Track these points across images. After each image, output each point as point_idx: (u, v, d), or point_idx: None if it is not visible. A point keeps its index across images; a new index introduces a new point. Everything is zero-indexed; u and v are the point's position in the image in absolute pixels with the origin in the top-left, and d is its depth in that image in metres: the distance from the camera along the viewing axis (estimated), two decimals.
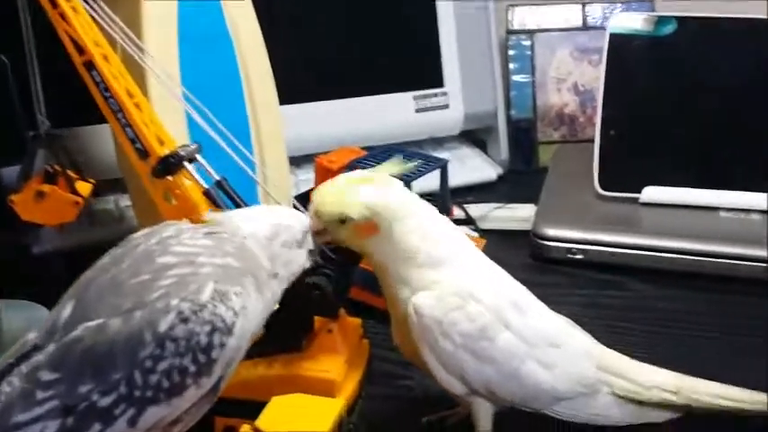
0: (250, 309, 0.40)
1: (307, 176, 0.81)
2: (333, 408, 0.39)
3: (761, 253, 0.68)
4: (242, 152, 0.51)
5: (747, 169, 0.75)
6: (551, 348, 0.47)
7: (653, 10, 0.93)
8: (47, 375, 0.37)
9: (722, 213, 0.74)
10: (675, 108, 0.78)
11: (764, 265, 0.68)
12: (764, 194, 0.73)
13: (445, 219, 0.48)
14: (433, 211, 0.48)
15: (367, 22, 0.87)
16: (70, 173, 0.50)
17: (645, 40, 0.79)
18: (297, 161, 0.82)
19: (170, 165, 0.46)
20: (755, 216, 0.73)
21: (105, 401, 0.37)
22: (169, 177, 0.47)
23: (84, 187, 0.51)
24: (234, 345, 0.39)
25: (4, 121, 0.60)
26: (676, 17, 0.79)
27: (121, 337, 0.37)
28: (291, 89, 0.80)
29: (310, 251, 0.45)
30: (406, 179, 0.62)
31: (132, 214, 0.76)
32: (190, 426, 0.40)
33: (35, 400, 0.37)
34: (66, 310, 0.39)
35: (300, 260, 0.44)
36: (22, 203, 0.50)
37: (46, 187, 0.49)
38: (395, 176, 0.47)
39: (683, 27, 0.79)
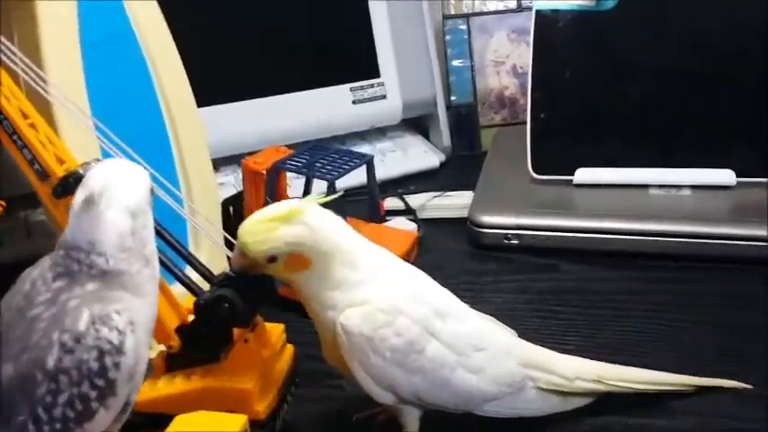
0: (138, 317, 0.40)
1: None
2: (236, 423, 0.39)
3: (691, 229, 0.68)
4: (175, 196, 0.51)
5: (677, 147, 0.75)
6: (477, 352, 0.48)
7: None
8: None
9: (652, 191, 0.74)
10: (604, 87, 0.77)
11: (696, 240, 0.68)
12: (693, 170, 0.73)
13: (357, 235, 0.48)
14: (349, 230, 0.47)
15: (299, 14, 0.86)
16: None
17: (575, 16, 0.77)
18: (234, 160, 0.81)
19: (70, 185, 0.45)
20: (686, 192, 0.74)
21: None
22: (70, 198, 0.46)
23: None
24: (129, 362, 0.39)
25: None
26: None
27: (15, 381, 0.38)
28: (219, 88, 0.79)
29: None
30: (329, 178, 0.63)
31: None
32: None
33: None
34: None
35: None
36: None
37: None
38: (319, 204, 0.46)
39: (623, 1, 0.78)
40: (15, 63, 0.47)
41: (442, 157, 0.92)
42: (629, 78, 0.77)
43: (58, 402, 0.38)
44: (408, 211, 0.79)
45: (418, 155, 0.92)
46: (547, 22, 0.78)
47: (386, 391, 0.47)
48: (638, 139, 0.76)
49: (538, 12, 0.78)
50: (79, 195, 0.40)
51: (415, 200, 0.81)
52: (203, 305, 0.47)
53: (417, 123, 0.97)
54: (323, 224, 0.45)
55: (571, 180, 0.76)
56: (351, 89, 0.88)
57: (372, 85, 0.89)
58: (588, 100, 0.78)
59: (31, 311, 0.39)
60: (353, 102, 0.88)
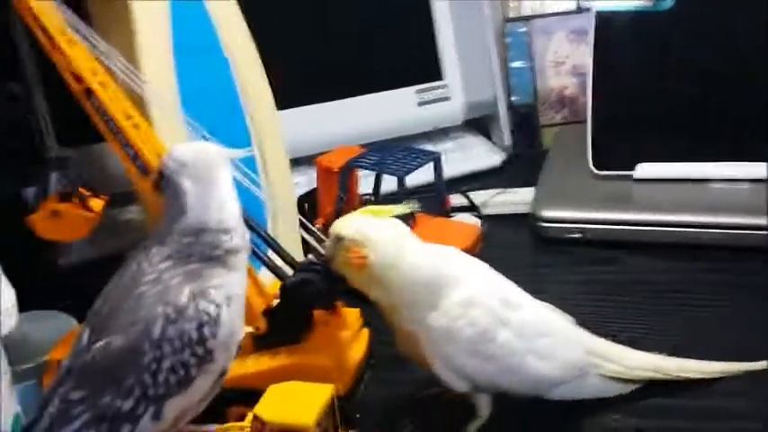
0: (234, 292, 0.44)
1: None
2: (324, 392, 0.42)
3: (749, 221, 0.70)
4: (248, 174, 0.55)
5: (735, 141, 0.76)
6: (545, 339, 0.51)
7: None
8: (75, 394, 0.42)
9: (713, 185, 0.76)
10: (663, 84, 0.79)
11: (755, 232, 0.70)
12: (752, 164, 0.75)
13: (432, 247, 0.50)
14: (418, 243, 0.50)
15: (364, 20, 0.90)
16: (83, 190, 0.54)
17: (633, 17, 0.80)
18: (307, 161, 0.85)
19: None
20: (744, 185, 0.75)
21: (127, 405, 0.42)
22: None
23: (97, 204, 0.55)
24: (225, 332, 0.43)
25: (18, 147, 0.65)
26: None
27: (125, 350, 0.42)
28: (294, 92, 0.84)
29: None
30: (398, 174, 0.66)
31: None
32: (204, 406, 0.45)
33: (70, 416, 0.42)
34: (84, 335, 0.45)
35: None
36: (39, 223, 0.54)
37: (60, 206, 0.53)
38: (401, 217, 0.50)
39: (681, 2, 0.80)
40: (115, 65, 0.52)
41: (503, 156, 0.95)
42: (688, 75, 0.79)
43: (162, 368, 0.42)
44: (472, 208, 0.82)
45: (480, 154, 0.94)
46: (606, 23, 0.81)
47: (462, 379, 0.50)
48: (696, 134, 0.78)
49: (598, 13, 0.80)
50: (184, 176, 0.44)
51: (477, 197, 0.84)
52: (289, 288, 0.51)
53: (478, 124, 0.99)
54: (401, 234, 0.49)
55: (631, 175, 0.78)
56: (416, 91, 0.92)
57: (436, 88, 0.93)
58: (647, 97, 0.80)
59: (138, 289, 0.44)
60: (419, 104, 0.92)
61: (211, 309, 0.43)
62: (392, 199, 0.63)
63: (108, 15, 0.55)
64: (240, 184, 0.53)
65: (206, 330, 0.43)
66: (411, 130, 0.93)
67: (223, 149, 0.46)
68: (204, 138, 0.55)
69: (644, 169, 0.78)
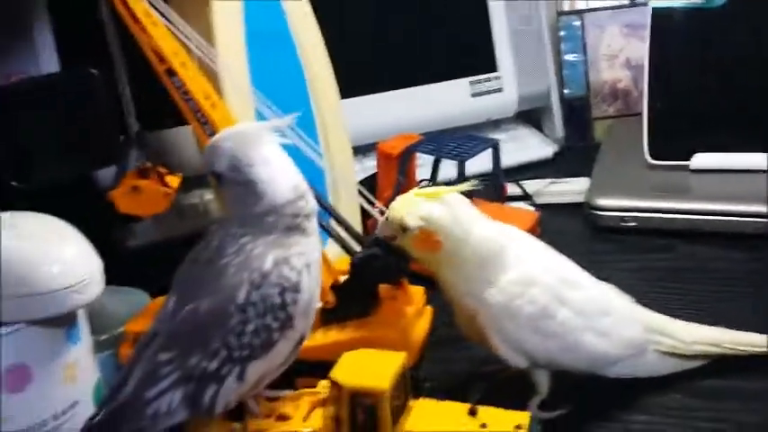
0: (312, 259, 0.46)
1: (370, 163, 0.86)
2: (397, 359, 0.44)
3: None
4: (310, 145, 0.56)
5: None
6: (604, 317, 0.51)
7: None
8: (163, 356, 0.44)
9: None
10: (717, 77, 0.80)
11: None
12: None
13: (494, 222, 0.51)
14: (483, 216, 0.51)
15: (419, 13, 0.92)
16: (160, 168, 0.57)
17: (688, 13, 0.81)
18: (362, 149, 0.87)
19: None
20: None
21: (213, 366, 0.44)
22: None
23: (173, 180, 0.57)
24: (305, 298, 0.45)
25: (97, 127, 0.68)
26: None
27: (212, 314, 0.44)
28: (352, 82, 0.85)
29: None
30: (459, 159, 0.68)
31: (216, 208, 0.83)
32: (282, 371, 0.47)
33: (159, 376, 0.44)
34: (170, 302, 0.46)
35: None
36: (119, 198, 0.56)
37: (140, 182, 0.56)
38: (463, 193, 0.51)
39: None
40: (195, 46, 0.54)
41: (555, 148, 0.96)
42: (742, 68, 0.80)
43: (246, 331, 0.44)
44: (526, 197, 0.83)
45: (532, 145, 0.96)
46: (662, 18, 0.82)
47: (521, 355, 0.51)
48: (752, 124, 0.78)
49: (654, 8, 0.82)
50: (244, 167, 0.45)
51: (531, 186, 0.85)
52: (358, 263, 0.53)
53: (529, 116, 1.01)
54: (464, 211, 0.50)
55: (687, 165, 0.79)
56: (470, 83, 0.93)
57: (490, 79, 0.94)
58: (703, 88, 0.81)
59: (221, 261, 0.45)
60: (472, 95, 0.93)
61: (293, 275, 0.44)
62: (449, 185, 0.65)
63: (185, 3, 0.57)
64: (302, 152, 0.55)
65: (288, 296, 0.44)
66: (464, 121, 0.95)
67: (262, 124, 0.47)
68: (273, 113, 0.56)
69: (700, 159, 0.78)
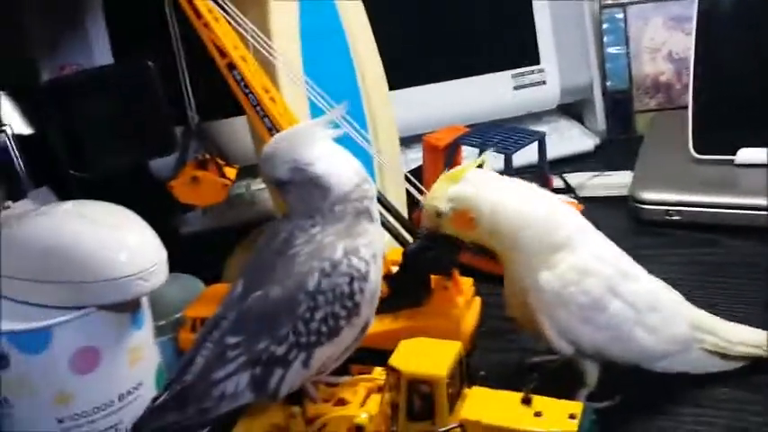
0: (378, 247, 0.47)
1: (414, 155, 0.88)
2: (453, 348, 0.45)
3: None
4: (361, 134, 0.58)
5: None
6: (653, 313, 0.52)
7: None
8: (231, 339, 0.46)
9: None
10: (764, 71, 0.80)
11: None
12: None
13: (542, 195, 0.52)
14: (530, 191, 0.51)
15: (463, 6, 0.93)
16: (218, 159, 0.58)
17: (733, 4, 0.81)
18: (405, 141, 0.88)
19: None
20: None
21: (281, 350, 0.45)
22: None
23: (231, 171, 0.59)
24: (372, 288, 0.47)
25: (152, 118, 0.70)
26: None
27: (282, 299, 0.45)
28: (397, 74, 0.86)
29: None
30: (506, 152, 0.68)
31: (263, 197, 0.85)
32: (346, 357, 0.48)
33: (226, 359, 0.45)
34: (238, 287, 0.48)
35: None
36: (179, 188, 0.58)
37: (199, 173, 0.57)
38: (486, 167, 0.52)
39: None
40: (255, 41, 0.56)
41: (597, 141, 0.96)
42: None
43: (315, 318, 0.45)
44: (569, 190, 0.84)
45: (574, 138, 0.96)
46: (709, 10, 0.82)
47: (569, 344, 0.51)
48: None
49: (701, 1, 0.81)
50: (306, 170, 0.46)
51: (573, 179, 0.85)
52: (411, 254, 0.54)
53: (570, 109, 1.01)
54: (489, 184, 0.50)
55: (732, 160, 0.79)
56: (512, 75, 0.94)
57: (533, 72, 0.95)
58: (748, 83, 0.81)
59: (291, 251, 0.47)
60: (515, 87, 0.94)
61: (362, 266, 0.46)
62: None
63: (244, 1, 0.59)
64: (351, 140, 0.56)
65: (356, 285, 0.46)
66: (506, 114, 0.95)
67: (312, 122, 0.49)
68: (326, 104, 0.57)
69: (746, 154, 0.79)
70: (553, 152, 0.92)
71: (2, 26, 0.83)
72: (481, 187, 0.50)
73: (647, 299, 0.52)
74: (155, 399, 0.47)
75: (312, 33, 0.63)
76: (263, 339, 0.45)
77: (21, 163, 0.77)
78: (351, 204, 0.46)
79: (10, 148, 0.77)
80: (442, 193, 0.50)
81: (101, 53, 0.82)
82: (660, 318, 0.52)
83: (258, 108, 0.54)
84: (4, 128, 0.77)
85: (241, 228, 0.79)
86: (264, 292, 0.46)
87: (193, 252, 0.78)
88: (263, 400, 0.46)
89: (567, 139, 0.96)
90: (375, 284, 0.47)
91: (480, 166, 0.52)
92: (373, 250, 0.47)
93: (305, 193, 0.47)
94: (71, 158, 0.70)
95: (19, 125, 0.80)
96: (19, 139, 0.79)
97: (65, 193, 0.74)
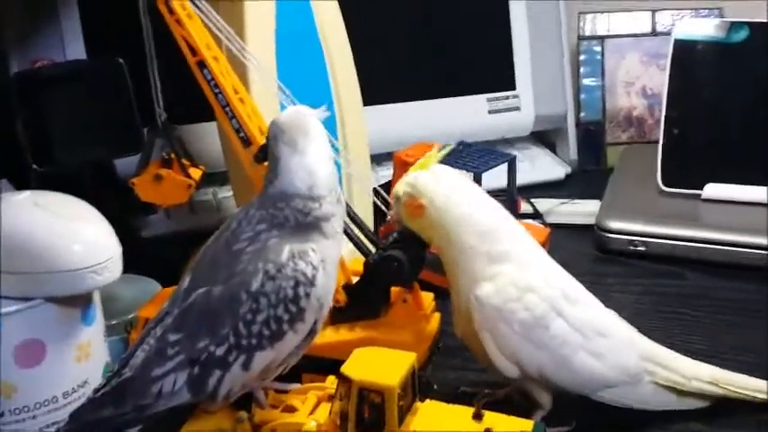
0: (328, 255, 0.46)
1: (385, 172, 0.87)
2: (407, 359, 0.44)
3: None
4: (330, 141, 0.57)
5: None
6: (600, 338, 0.51)
7: (720, 17, 0.96)
8: (173, 336, 0.45)
9: None
10: (734, 109, 0.82)
11: None
12: None
13: (498, 209, 0.52)
14: (487, 202, 0.52)
15: (443, 28, 0.93)
16: (183, 160, 0.58)
17: (708, 46, 0.83)
18: (377, 158, 0.88)
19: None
20: None
21: (220, 351, 0.44)
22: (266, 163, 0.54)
23: (196, 172, 0.58)
24: (319, 293, 0.45)
25: (121, 116, 0.69)
26: (749, 24, 0.83)
27: (224, 299, 0.45)
28: (372, 91, 0.87)
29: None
30: (476, 171, 0.68)
31: (228, 204, 0.84)
32: (291, 365, 0.48)
33: (166, 356, 0.44)
34: (185, 282, 0.47)
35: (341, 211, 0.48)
36: (141, 185, 0.57)
37: (163, 171, 0.57)
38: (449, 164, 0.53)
39: (754, 33, 0.82)
40: (228, 41, 0.55)
41: (568, 170, 0.96)
42: (758, 102, 0.81)
43: (256, 320, 0.44)
44: (536, 215, 0.84)
45: (545, 166, 0.96)
46: (683, 49, 0.83)
47: (512, 363, 0.50)
48: (765, 158, 0.79)
49: (676, 40, 0.83)
50: (281, 142, 0.46)
51: (542, 205, 0.86)
52: (374, 264, 0.53)
53: (543, 137, 1.02)
54: (451, 181, 0.51)
55: (698, 194, 0.80)
56: (488, 99, 0.94)
57: (508, 97, 0.95)
58: (719, 120, 0.82)
59: (237, 245, 0.46)
60: (489, 111, 0.95)
61: (309, 270, 0.45)
62: None
63: (220, 4, 0.58)
64: None
65: (301, 290, 0.45)
66: (480, 137, 0.95)
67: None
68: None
69: (713, 189, 0.79)
70: (523, 178, 0.92)
71: None
72: (440, 179, 0.51)
73: (594, 324, 0.51)
74: (96, 390, 0.46)
75: (287, 36, 0.62)
76: (202, 338, 0.44)
77: None
78: (291, 211, 0.45)
79: None
80: (405, 179, 0.51)
81: (73, 49, 0.81)
82: (607, 344, 0.51)
83: (227, 108, 0.53)
84: None
85: (205, 234, 0.78)
86: (207, 290, 0.45)
87: (154, 255, 0.78)
88: (202, 401, 0.46)
89: (539, 166, 0.96)
90: (323, 291, 0.46)
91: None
92: (322, 256, 0.46)
93: (268, 169, 0.46)
94: (35, 152, 0.69)
95: None
96: None
97: (25, 188, 0.73)
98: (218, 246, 0.47)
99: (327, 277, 0.46)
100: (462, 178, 0.52)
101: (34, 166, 0.68)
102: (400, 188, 0.52)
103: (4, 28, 0.79)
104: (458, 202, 0.50)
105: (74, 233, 0.49)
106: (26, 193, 0.51)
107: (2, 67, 0.79)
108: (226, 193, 0.85)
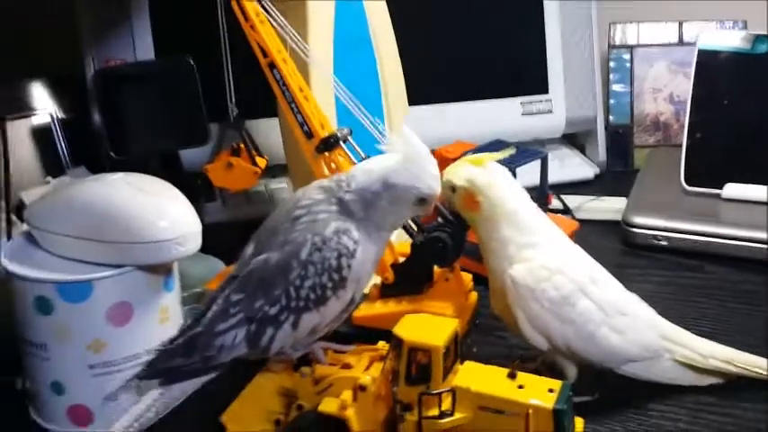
0: (367, 248, 0.51)
1: None
2: (451, 324, 0.50)
3: None
4: (376, 128, 0.63)
5: None
6: (622, 317, 0.56)
7: (745, 29, 1.01)
8: (235, 296, 0.51)
9: None
10: (755, 114, 0.87)
11: None
12: None
13: (535, 206, 0.58)
14: (526, 198, 0.57)
15: (482, 35, 0.99)
16: (252, 150, 0.64)
17: (731, 56, 0.89)
18: None
19: (329, 144, 0.60)
20: None
21: (273, 311, 0.50)
22: (327, 154, 0.61)
23: (262, 161, 0.65)
24: (358, 266, 0.51)
25: (189, 111, 0.76)
26: None
27: (279, 265, 0.51)
28: (414, 92, 0.93)
29: (436, 213, 0.57)
30: (511, 165, 0.74)
31: (280, 195, 0.91)
32: (334, 328, 0.53)
33: (229, 314, 0.51)
34: (249, 249, 0.53)
35: (403, 214, 0.53)
36: (214, 172, 0.64)
37: (233, 159, 0.63)
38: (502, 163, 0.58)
39: None
40: (295, 45, 0.62)
41: (597, 171, 1.02)
42: None
43: (304, 285, 0.50)
44: (566, 211, 0.89)
45: (575, 166, 1.02)
46: (707, 58, 0.89)
47: (542, 336, 0.56)
48: None
49: (700, 49, 0.89)
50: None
51: (571, 201, 0.91)
52: (420, 245, 0.60)
53: (573, 139, 1.07)
54: (502, 179, 0.56)
55: (719, 194, 0.85)
56: (522, 102, 1.00)
57: (541, 101, 1.01)
58: (740, 124, 0.87)
59: (295, 212, 0.52)
60: (523, 114, 1.00)
61: (350, 244, 0.50)
62: None
63: (286, 4, 0.65)
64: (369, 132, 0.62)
65: (344, 261, 0.50)
66: (513, 138, 0.99)
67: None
68: (351, 103, 0.63)
69: (732, 189, 0.85)
70: (554, 177, 0.97)
71: (56, 17, 0.90)
72: (497, 179, 0.56)
73: (616, 304, 0.56)
74: (171, 340, 0.52)
75: (344, 43, 0.69)
76: (259, 299, 0.50)
77: (62, 143, 0.83)
78: (356, 201, 0.50)
79: (53, 129, 0.84)
80: (461, 171, 0.56)
81: (143, 49, 0.88)
82: (628, 321, 0.56)
83: (293, 105, 0.60)
84: (48, 111, 0.84)
85: (258, 221, 0.84)
86: (266, 257, 0.51)
87: (213, 239, 0.84)
88: (255, 355, 0.52)
89: (569, 166, 1.01)
90: (361, 263, 0.51)
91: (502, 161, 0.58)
92: (360, 236, 0.51)
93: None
94: (112, 142, 0.76)
95: (62, 109, 0.87)
96: (61, 122, 0.85)
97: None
98: (280, 216, 0.53)
99: (365, 255, 0.51)
100: (510, 177, 0.57)
101: (111, 155, 0.75)
102: (457, 180, 0.56)
103: (82, 28, 0.86)
104: (507, 199, 0.56)
105: (161, 209, 0.55)
106: (119, 174, 0.58)
107: (78, 64, 0.87)
108: (277, 184, 0.92)
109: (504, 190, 0.56)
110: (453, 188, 0.56)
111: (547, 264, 0.55)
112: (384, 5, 0.73)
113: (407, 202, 0.51)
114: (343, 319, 0.54)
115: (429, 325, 0.51)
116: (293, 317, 0.51)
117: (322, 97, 0.65)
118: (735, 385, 0.59)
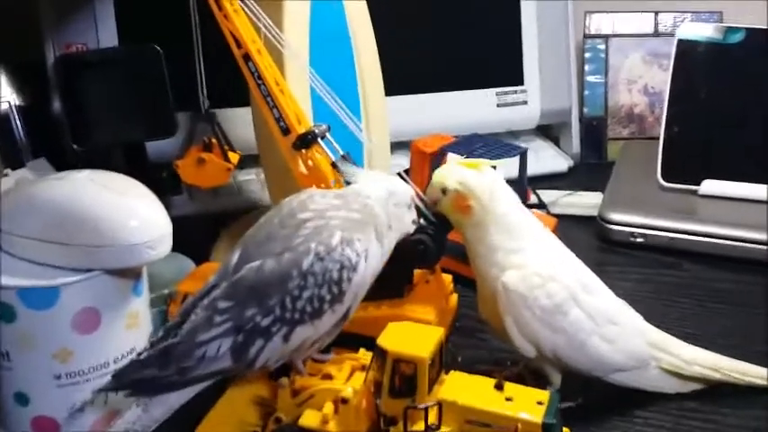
0: (371, 253, 0.50)
1: (396, 161, 0.91)
2: (436, 333, 0.48)
3: None
4: (353, 121, 0.61)
5: None
6: (612, 326, 0.55)
7: (721, 21, 1.01)
8: (222, 304, 0.48)
9: None
10: (733, 107, 0.87)
11: None
12: None
13: (526, 211, 0.57)
14: (518, 202, 0.56)
15: (457, 25, 0.97)
16: (224, 144, 0.62)
17: (710, 47, 0.88)
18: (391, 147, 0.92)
19: (306, 140, 0.57)
20: None
21: (265, 322, 0.48)
22: (303, 150, 0.58)
23: (234, 156, 0.62)
24: (358, 280, 0.49)
25: (156, 101, 0.73)
26: (745, 28, 0.88)
27: (275, 273, 0.48)
28: (388, 82, 0.91)
29: (417, 214, 0.55)
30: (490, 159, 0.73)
31: (248, 188, 0.88)
32: (326, 344, 0.51)
33: (213, 323, 0.47)
34: (234, 257, 0.50)
35: (407, 219, 0.54)
36: (184, 168, 0.61)
37: (205, 155, 0.61)
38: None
39: (750, 37, 0.87)
40: (270, 34, 0.59)
41: (571, 163, 1.01)
42: (756, 101, 0.85)
43: (302, 297, 0.48)
44: (541, 205, 0.88)
45: (549, 158, 1.01)
46: (686, 48, 0.88)
47: (530, 344, 0.55)
48: (761, 156, 0.84)
49: (679, 40, 0.88)
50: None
51: (547, 196, 0.90)
52: (401, 247, 0.58)
53: (547, 130, 1.06)
54: (496, 184, 0.55)
55: (696, 190, 0.85)
56: (497, 93, 0.99)
57: (516, 92, 1.00)
58: (718, 118, 0.87)
59: (302, 214, 0.50)
60: (498, 105, 0.99)
61: (353, 257, 0.49)
62: None
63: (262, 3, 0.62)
64: (343, 123, 0.61)
65: (344, 274, 0.48)
66: (488, 129, 0.98)
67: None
68: (326, 93, 0.61)
69: (709, 185, 0.84)
70: (529, 169, 0.96)
71: (15, 2, 0.85)
72: (490, 184, 0.55)
73: (607, 313, 0.56)
74: (140, 353, 0.49)
75: (321, 35, 0.66)
76: (251, 308, 0.47)
77: (21, 133, 0.79)
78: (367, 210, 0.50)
79: (12, 118, 0.80)
80: (454, 173, 0.55)
81: (106, 35, 0.84)
82: (618, 330, 0.56)
83: (268, 99, 0.57)
84: (5, 99, 0.80)
85: (224, 215, 0.82)
86: (260, 264, 0.48)
87: (179, 234, 0.81)
88: (239, 369, 0.49)
89: (543, 158, 1.00)
90: (362, 278, 0.50)
91: (494, 168, 0.56)
92: (366, 247, 0.50)
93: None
94: (73, 132, 0.72)
95: (21, 97, 0.83)
96: (20, 110, 0.81)
97: (61, 165, 0.77)
98: (274, 222, 0.50)
99: (367, 270, 0.50)
100: (502, 180, 0.56)
101: (73, 146, 0.72)
102: (449, 182, 0.55)
103: (42, 12, 0.82)
104: (498, 203, 0.55)
105: (130, 210, 0.52)
106: (85, 172, 0.54)
107: (37, 50, 0.83)
108: (246, 176, 0.89)
109: (499, 195, 0.55)
110: (444, 190, 0.55)
111: (539, 270, 0.54)
112: None
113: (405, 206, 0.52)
114: (334, 335, 0.52)
115: (413, 335, 0.49)
116: (286, 329, 0.48)
117: (298, 89, 0.62)
118: (717, 391, 0.59)
